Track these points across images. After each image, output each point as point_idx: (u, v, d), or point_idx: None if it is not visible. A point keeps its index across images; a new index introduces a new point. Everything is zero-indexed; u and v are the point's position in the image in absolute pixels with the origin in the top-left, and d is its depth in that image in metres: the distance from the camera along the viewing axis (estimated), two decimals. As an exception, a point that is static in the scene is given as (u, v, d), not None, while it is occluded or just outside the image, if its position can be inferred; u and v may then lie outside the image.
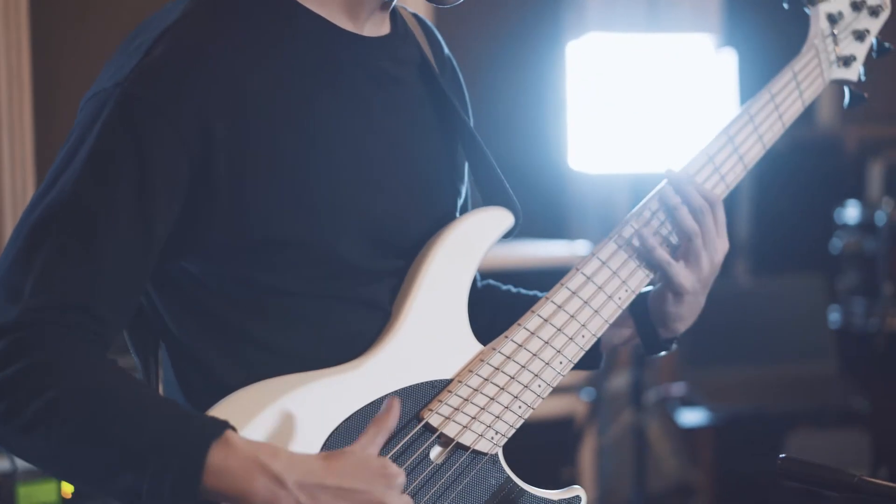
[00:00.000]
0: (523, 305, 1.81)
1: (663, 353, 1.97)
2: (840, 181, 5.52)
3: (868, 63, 2.12)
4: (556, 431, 4.14)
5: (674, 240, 1.87)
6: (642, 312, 1.93)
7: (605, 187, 5.15)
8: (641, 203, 1.87)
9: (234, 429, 1.53)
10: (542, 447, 3.98)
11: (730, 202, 6.00)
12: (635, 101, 4.88)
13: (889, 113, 5.75)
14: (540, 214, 4.87)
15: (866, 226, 5.01)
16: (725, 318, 5.04)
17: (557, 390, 4.21)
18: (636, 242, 1.85)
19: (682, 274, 1.85)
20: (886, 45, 2.11)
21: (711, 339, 4.98)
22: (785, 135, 1.99)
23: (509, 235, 1.84)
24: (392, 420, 1.60)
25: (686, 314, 1.90)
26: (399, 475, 1.56)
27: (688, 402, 4.82)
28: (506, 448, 1.77)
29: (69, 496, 3.25)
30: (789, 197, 5.63)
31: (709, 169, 1.91)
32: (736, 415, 4.82)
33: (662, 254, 1.84)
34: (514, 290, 1.99)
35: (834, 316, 5.13)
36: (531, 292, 1.95)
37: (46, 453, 1.53)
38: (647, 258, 1.86)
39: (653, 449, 4.99)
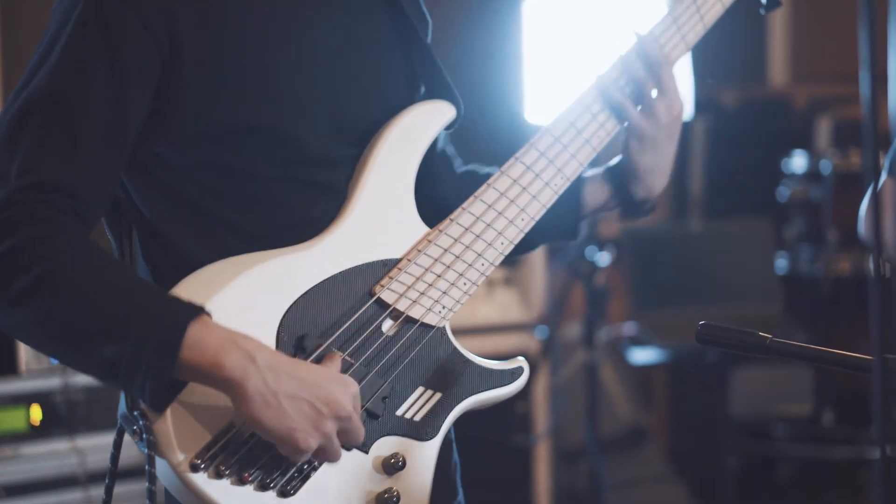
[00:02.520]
0: None
1: (642, 216, 2.11)
2: (789, 135, 5.65)
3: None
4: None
5: (628, 90, 2.01)
6: (617, 173, 2.06)
7: (560, 139, 5.24)
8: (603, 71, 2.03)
9: (209, 315, 1.64)
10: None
11: (683, 152, 6.07)
12: (590, 54, 5.00)
13: (837, 73, 5.89)
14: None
15: (812, 175, 5.14)
16: (676, 262, 5.17)
17: (511, 328, 4.39)
18: (593, 95, 1.99)
19: (636, 115, 1.99)
20: None
21: (662, 281, 5.11)
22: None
23: (452, 127, 1.97)
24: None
25: (653, 165, 2.02)
26: (354, 384, 1.71)
27: (638, 341, 4.94)
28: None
29: (37, 423, 3.32)
30: (740, 149, 5.75)
31: (672, 29, 2.05)
32: (684, 352, 4.95)
33: (616, 94, 1.99)
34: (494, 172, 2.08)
35: (781, 261, 5.27)
36: None
37: (32, 326, 1.64)
38: (605, 108, 1.99)
39: (605, 390, 5.12)
